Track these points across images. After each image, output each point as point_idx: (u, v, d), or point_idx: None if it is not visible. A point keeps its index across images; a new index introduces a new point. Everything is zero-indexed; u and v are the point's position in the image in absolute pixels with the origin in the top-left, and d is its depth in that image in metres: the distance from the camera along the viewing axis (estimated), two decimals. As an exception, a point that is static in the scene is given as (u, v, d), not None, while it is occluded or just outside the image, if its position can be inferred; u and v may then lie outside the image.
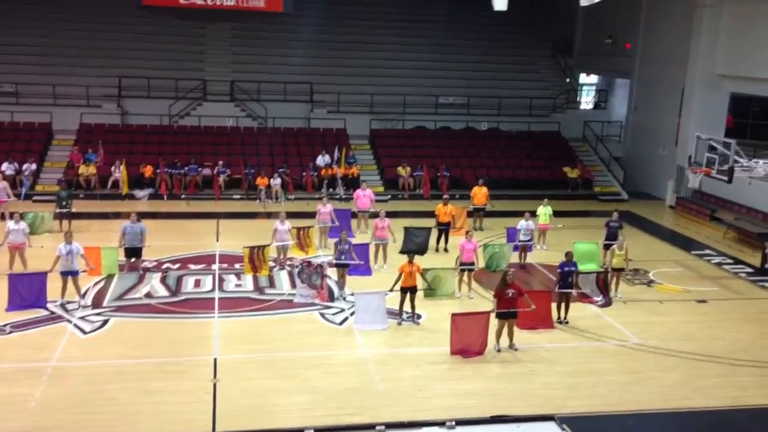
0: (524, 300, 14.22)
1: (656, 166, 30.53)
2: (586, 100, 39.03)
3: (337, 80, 33.34)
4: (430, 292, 16.80)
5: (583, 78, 39.10)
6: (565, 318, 15.73)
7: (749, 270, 20.45)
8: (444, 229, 20.94)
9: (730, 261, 21.34)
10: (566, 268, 15.74)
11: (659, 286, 18.68)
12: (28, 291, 15.55)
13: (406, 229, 20.61)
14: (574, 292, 16.06)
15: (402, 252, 19.10)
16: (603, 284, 17.17)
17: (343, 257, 17.00)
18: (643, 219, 26.43)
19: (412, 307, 15.52)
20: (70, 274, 15.70)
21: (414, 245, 19.71)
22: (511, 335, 14.23)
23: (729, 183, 20.17)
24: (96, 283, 17.12)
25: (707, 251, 22.34)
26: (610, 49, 34.07)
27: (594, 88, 39.32)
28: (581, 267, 17.95)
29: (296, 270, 17.04)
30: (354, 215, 22.50)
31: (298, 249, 20.03)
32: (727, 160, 19.52)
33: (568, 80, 37.48)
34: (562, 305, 15.76)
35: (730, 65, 26.69)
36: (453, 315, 14.10)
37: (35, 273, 16.09)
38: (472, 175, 28.10)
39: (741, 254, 22.02)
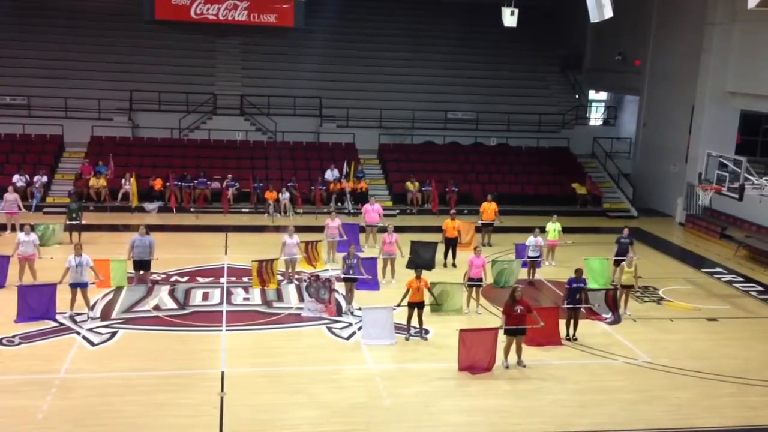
0: (533, 317, 14.16)
1: (666, 183, 30.43)
2: (596, 117, 39.04)
3: (346, 95, 33.50)
4: (438, 307, 16.76)
5: (592, 94, 39.12)
6: (573, 335, 15.64)
7: (760, 288, 20.29)
8: (451, 243, 20.93)
9: (740, 279, 21.19)
10: (575, 285, 15.67)
11: (669, 304, 18.56)
12: (37, 303, 15.59)
13: (413, 245, 20.59)
14: (582, 308, 15.97)
15: (409, 267, 19.07)
16: (612, 301, 17.08)
17: (351, 272, 16.99)
18: (653, 236, 26.30)
19: (420, 322, 15.48)
20: (79, 286, 15.74)
21: (421, 261, 19.69)
22: (519, 352, 14.16)
23: (740, 200, 20.09)
24: (105, 296, 17.15)
25: (717, 269, 22.20)
26: (619, 66, 34.10)
27: (603, 104, 39.34)
28: (592, 284, 17.89)
29: (304, 284, 17.05)
30: (362, 230, 22.49)
31: (306, 263, 20.03)
32: (738, 177, 19.46)
33: (577, 96, 37.51)
34: (571, 322, 15.68)
35: (740, 83, 26.65)
36: (461, 331, 14.04)
37: (44, 284, 16.15)
38: (481, 190, 28.07)
39: (752, 272, 21.87)
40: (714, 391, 13.59)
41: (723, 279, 21.18)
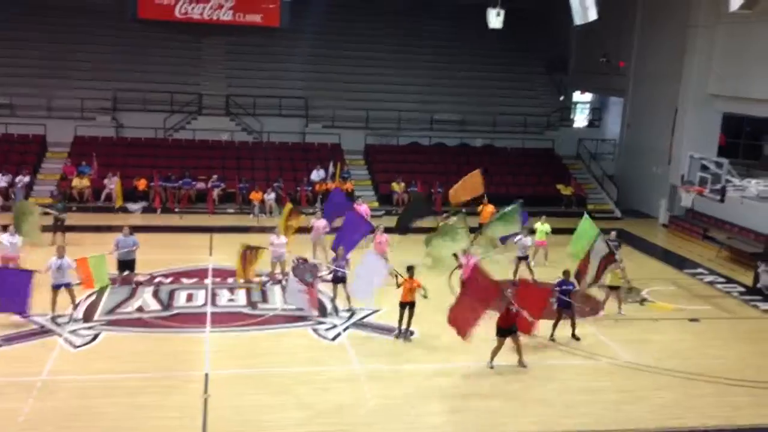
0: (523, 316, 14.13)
1: (649, 185, 30.63)
2: (580, 118, 39.21)
3: (332, 95, 33.46)
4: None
5: (577, 96, 39.30)
6: (573, 334, 15.70)
7: (741, 289, 20.47)
8: None
9: (722, 280, 21.38)
10: (564, 286, 15.71)
11: (652, 305, 18.68)
12: (11, 291, 14.86)
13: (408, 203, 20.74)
14: (576, 305, 15.97)
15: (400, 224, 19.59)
16: (603, 268, 17.16)
17: (339, 274, 16.92)
18: (636, 237, 26.45)
19: (408, 323, 15.45)
20: (62, 285, 15.57)
21: (416, 215, 19.83)
22: (519, 352, 14.12)
23: (721, 202, 20.27)
24: (88, 297, 17.00)
25: (700, 270, 22.38)
26: (604, 68, 34.26)
27: (588, 106, 39.50)
28: (580, 241, 18.46)
29: (291, 265, 16.89)
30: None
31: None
32: (720, 179, 19.63)
33: (562, 98, 37.66)
34: (560, 322, 15.67)
35: (722, 85, 26.87)
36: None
37: (22, 270, 15.65)
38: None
39: (733, 273, 22.06)
40: (697, 391, 13.70)
41: (705, 280, 21.35)
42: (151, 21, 33.21)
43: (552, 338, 15.62)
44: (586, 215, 19.57)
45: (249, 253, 18.09)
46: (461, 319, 14.04)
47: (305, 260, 17.05)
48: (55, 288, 15.56)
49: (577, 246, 18.87)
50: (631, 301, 18.67)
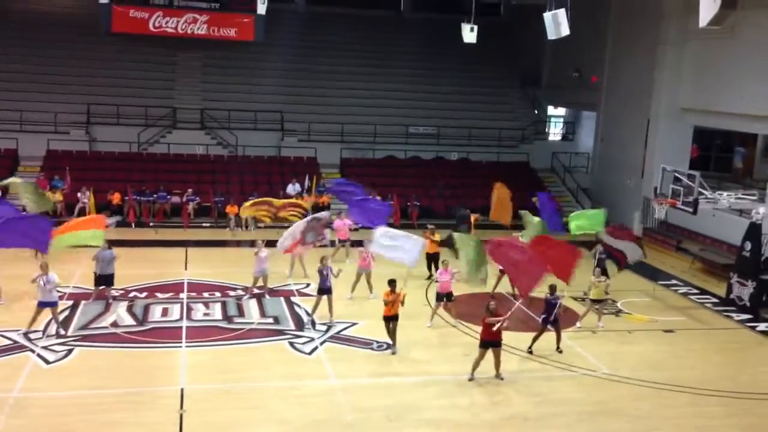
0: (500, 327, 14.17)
1: (623, 197, 30.94)
2: (554, 132, 39.65)
3: (307, 109, 33.48)
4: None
5: (551, 110, 39.74)
6: (557, 348, 15.75)
7: (714, 300, 20.73)
8: (433, 258, 20.64)
9: (695, 291, 21.64)
10: (551, 301, 15.76)
11: (627, 316, 18.85)
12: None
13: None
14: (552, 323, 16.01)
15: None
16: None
17: (328, 283, 16.76)
18: (611, 249, 26.68)
19: (393, 336, 15.39)
20: (48, 305, 15.32)
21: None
22: (497, 365, 14.13)
23: (694, 214, 20.58)
24: (61, 312, 16.73)
25: (673, 281, 22.64)
26: (576, 82, 34.73)
27: (562, 120, 39.98)
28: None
29: (309, 216, 17.67)
30: (332, 243, 22.26)
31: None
32: (692, 191, 19.93)
33: (536, 112, 38.07)
34: (541, 335, 15.74)
35: (692, 99, 27.33)
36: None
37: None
38: (443, 204, 28.22)
39: (706, 284, 22.34)
40: (672, 401, 13.80)
41: (679, 291, 21.60)
42: (125, 34, 33.04)
43: (529, 350, 15.69)
44: (604, 210, 21.39)
45: (267, 206, 18.36)
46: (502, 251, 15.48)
47: (325, 227, 17.08)
48: (41, 306, 15.30)
49: (580, 222, 20.45)
50: (606, 313, 18.78)
